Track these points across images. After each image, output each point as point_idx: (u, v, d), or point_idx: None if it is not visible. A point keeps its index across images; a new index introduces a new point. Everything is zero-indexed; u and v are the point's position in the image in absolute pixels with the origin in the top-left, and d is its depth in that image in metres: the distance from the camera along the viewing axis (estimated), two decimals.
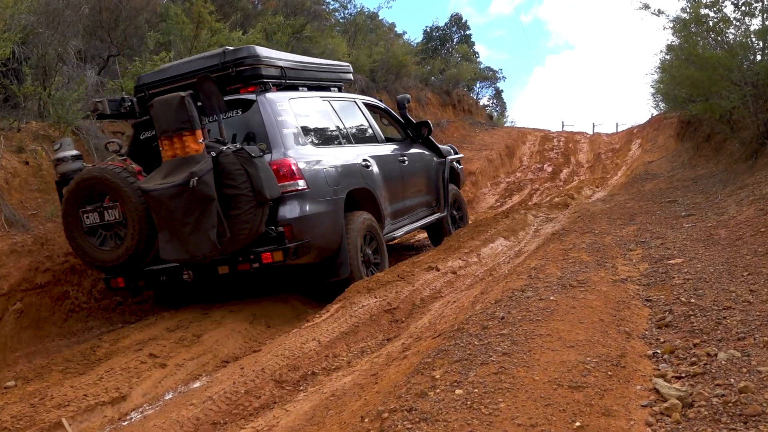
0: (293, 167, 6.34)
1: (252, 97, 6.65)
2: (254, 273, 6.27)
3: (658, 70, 15.33)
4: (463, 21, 38.16)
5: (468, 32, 38.04)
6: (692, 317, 3.90)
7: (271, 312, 6.65)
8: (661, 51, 15.18)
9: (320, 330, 5.62)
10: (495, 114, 40.59)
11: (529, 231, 9.60)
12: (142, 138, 7.10)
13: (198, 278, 6.37)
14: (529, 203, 15.45)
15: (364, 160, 7.66)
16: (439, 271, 7.26)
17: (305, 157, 6.58)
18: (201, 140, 6.02)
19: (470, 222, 10.92)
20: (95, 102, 6.94)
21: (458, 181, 10.59)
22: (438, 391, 3.13)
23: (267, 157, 6.16)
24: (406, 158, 8.83)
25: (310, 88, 7.76)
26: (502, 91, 43.04)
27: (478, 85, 38.67)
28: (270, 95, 6.74)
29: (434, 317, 5.42)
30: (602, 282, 4.83)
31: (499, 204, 17.11)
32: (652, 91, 16.98)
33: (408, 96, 9.97)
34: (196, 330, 6.06)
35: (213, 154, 5.90)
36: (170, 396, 4.99)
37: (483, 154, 21.46)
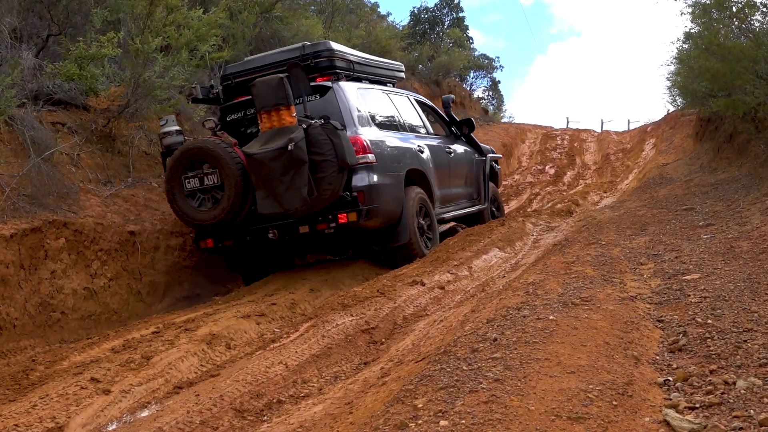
0: (365, 143, 8.51)
1: (328, 84, 8.84)
2: (331, 233, 8.30)
3: (674, 60, 15.49)
4: (456, 2, 38.32)
5: (461, 15, 38.21)
6: (709, 340, 3.95)
7: (341, 276, 8.52)
8: (679, 39, 15.39)
9: (288, 352, 5.61)
10: (491, 108, 40.77)
11: (528, 241, 9.66)
12: (228, 120, 9.38)
13: (281, 236, 8.44)
14: (528, 210, 15.56)
15: (419, 146, 9.79)
16: (424, 285, 7.29)
17: (373, 136, 8.79)
18: (294, 114, 8.09)
19: (462, 230, 11.00)
20: (191, 87, 9.44)
21: (496, 180, 12.82)
22: (420, 422, 3.14)
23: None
24: (452, 151, 10.99)
25: (370, 82, 9.92)
26: (499, 82, 43.42)
27: (471, 74, 38.86)
28: (343, 83, 8.93)
29: (418, 338, 5.44)
30: (608, 300, 4.87)
31: (492, 211, 17.18)
32: (668, 84, 17.18)
33: (452, 96, 12.30)
34: (146, 351, 6.03)
35: (304, 126, 8.02)
36: (114, 426, 4.97)
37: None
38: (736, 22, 11.46)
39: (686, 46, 14.03)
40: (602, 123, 40.53)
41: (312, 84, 8.70)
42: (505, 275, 7.59)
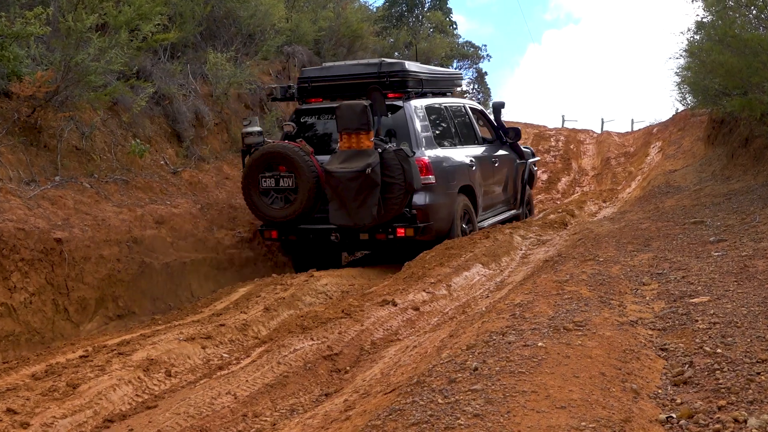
0: (428, 165, 10.60)
1: (399, 103, 11.04)
2: (387, 242, 10.48)
3: (684, 53, 15.62)
4: None
5: None
6: (718, 372, 3.98)
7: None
8: (689, 30, 15.44)
9: (237, 381, 5.58)
10: (476, 102, 40.91)
11: (515, 256, 9.70)
12: (302, 121, 11.53)
13: (343, 240, 10.68)
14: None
15: (471, 160, 11.84)
16: (396, 306, 7.30)
17: (435, 156, 10.89)
18: (372, 139, 10.18)
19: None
20: (271, 87, 12.00)
21: (532, 182, 15.10)
22: None
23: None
24: (497, 160, 13.10)
25: (434, 94, 12.22)
26: (485, 73, 43.55)
27: (455, 64, 38.98)
28: (412, 103, 11.12)
29: (388, 366, 5.44)
30: (605, 324, 4.91)
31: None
32: (677, 80, 17.31)
33: (504, 102, 14.69)
34: (72, 378, 5.97)
35: (379, 150, 10.11)
36: None
37: None
38: (755, 11, 11.58)
39: (698, 37, 14.13)
40: (602, 123, 40.74)
41: (388, 104, 10.87)
42: (488, 295, 7.62)
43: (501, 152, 13.43)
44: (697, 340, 4.55)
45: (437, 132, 11.57)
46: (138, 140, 10.86)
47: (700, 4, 12.57)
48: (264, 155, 10.57)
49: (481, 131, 13.46)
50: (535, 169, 15.55)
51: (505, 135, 13.86)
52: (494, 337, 4.69)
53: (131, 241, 9.40)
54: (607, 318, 5.08)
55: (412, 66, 11.69)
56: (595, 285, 6.15)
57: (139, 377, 6.11)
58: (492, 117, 13.92)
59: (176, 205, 10.78)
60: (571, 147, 26.60)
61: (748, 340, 4.41)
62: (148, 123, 11.65)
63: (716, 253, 7.14)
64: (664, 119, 27.27)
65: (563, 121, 40.65)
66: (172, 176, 11.46)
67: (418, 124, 10.97)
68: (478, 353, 4.40)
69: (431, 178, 10.60)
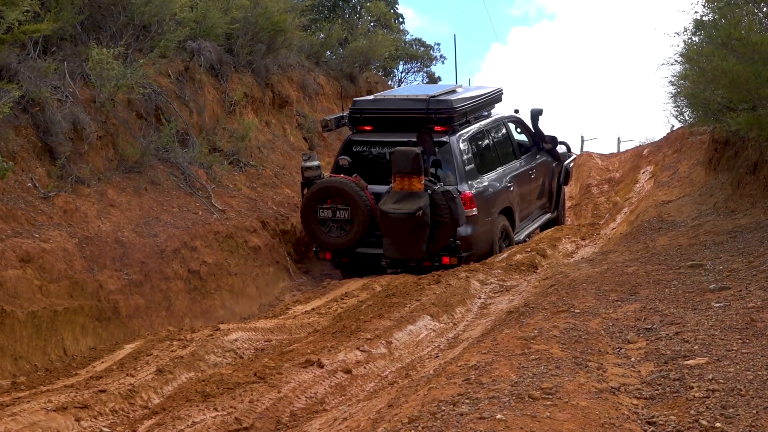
0: (471, 198, 13.97)
1: (445, 138, 14.50)
2: (432, 268, 13.31)
3: (680, 58, 15.79)
4: None
5: None
6: None
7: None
8: (686, 30, 15.53)
9: None
10: None
11: (473, 306, 9.73)
12: (353, 150, 15.06)
13: (391, 265, 13.99)
14: (475, 261, 15.65)
15: (509, 182, 15.54)
16: (323, 368, 7.26)
17: (477, 188, 14.37)
18: (422, 182, 13.37)
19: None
20: (326, 120, 16.03)
21: (567, 180, 19.16)
22: None
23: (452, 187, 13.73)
24: (533, 171, 16.86)
25: (476, 118, 15.78)
26: (439, 78, 43.48)
27: (401, 67, 39.09)
28: (456, 139, 14.59)
29: None
30: (580, 392, 4.93)
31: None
32: (672, 90, 17.47)
33: (542, 109, 17.83)
34: None
35: (429, 192, 13.33)
36: None
37: None
38: (765, 9, 11.74)
39: (696, 38, 14.27)
40: (582, 141, 41.15)
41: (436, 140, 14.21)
42: (438, 354, 7.63)
43: (538, 160, 17.31)
44: (692, 412, 4.59)
45: (479, 160, 15.09)
46: None
47: None
48: (322, 189, 14.14)
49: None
50: (572, 165, 19.58)
51: (542, 142, 17.68)
52: (443, 408, 4.69)
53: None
54: (583, 384, 5.11)
55: (457, 104, 15.04)
56: (569, 343, 6.19)
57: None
58: (530, 123, 17.58)
59: (46, 239, 10.63)
60: None
61: (754, 411, 4.46)
62: (12, 135, 11.38)
63: (717, 304, 7.22)
64: (656, 138, 27.54)
65: None
66: (42, 202, 11.30)
67: (461, 158, 14.45)
68: (423, 428, 4.40)
69: (474, 211, 13.99)
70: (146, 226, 12.30)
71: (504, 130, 16.65)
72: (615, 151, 35.28)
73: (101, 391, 7.19)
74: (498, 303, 9.72)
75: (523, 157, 16.80)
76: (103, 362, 8.63)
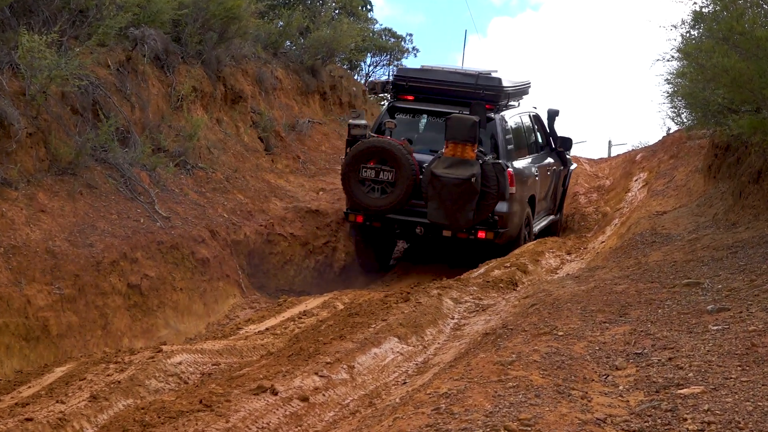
0: (512, 176, 15.60)
1: (491, 115, 16.15)
2: (466, 241, 15.57)
3: (677, 54, 15.86)
4: None
5: None
6: None
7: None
8: (684, 22, 15.60)
9: None
10: None
11: (445, 327, 9.74)
12: (395, 117, 16.59)
13: (425, 234, 15.67)
14: (448, 277, 15.66)
15: (536, 170, 17.51)
16: (277, 395, 7.25)
17: (515, 167, 16.09)
18: (475, 150, 15.03)
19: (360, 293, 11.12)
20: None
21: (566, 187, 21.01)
22: None
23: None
24: (550, 169, 18.80)
25: (510, 105, 17.69)
26: None
27: (369, 60, 39.13)
28: (502, 117, 16.44)
29: None
30: (562, 424, 4.95)
31: (393, 278, 17.25)
32: (668, 89, 17.54)
33: (558, 110, 20.00)
34: None
35: (480, 162, 14.97)
36: None
37: None
38: None
39: (695, 32, 14.33)
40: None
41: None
42: (405, 381, 7.63)
43: (551, 160, 19.09)
44: None
45: (516, 143, 17.01)
46: None
47: None
48: (369, 147, 15.49)
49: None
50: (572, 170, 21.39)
51: (555, 143, 19.56)
52: None
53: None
54: (565, 415, 5.13)
55: (506, 82, 17.03)
56: (551, 369, 6.21)
57: None
58: (546, 123, 19.49)
59: None
60: None
61: None
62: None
63: (715, 327, 7.26)
64: (651, 142, 27.62)
65: None
66: None
67: (505, 137, 16.26)
68: None
69: (513, 189, 15.67)
70: (81, 234, 12.25)
71: (531, 125, 18.77)
72: (605, 155, 35.44)
73: (27, 419, 7.15)
74: (473, 324, 9.74)
75: (541, 152, 18.86)
76: (30, 387, 8.58)
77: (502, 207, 15.51)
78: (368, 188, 15.55)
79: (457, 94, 16.49)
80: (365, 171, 15.53)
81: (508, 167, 15.57)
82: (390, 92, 17.52)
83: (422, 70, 17.47)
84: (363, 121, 16.19)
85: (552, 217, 19.58)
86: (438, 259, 17.11)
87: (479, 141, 15.29)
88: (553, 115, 19.73)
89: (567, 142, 19.95)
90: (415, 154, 15.57)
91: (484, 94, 16.44)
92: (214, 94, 18.89)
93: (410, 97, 17.01)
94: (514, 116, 17.49)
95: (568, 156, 20.59)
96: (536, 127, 19.24)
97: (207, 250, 14.31)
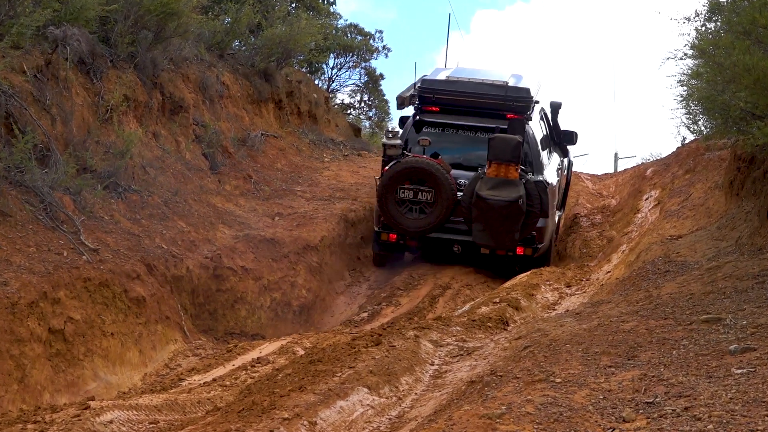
0: (552, 190, 18.97)
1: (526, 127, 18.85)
2: (505, 258, 18.21)
3: (690, 52, 15.93)
4: None
5: None
6: None
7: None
8: (698, 14, 15.68)
9: None
10: (367, 124, 41.09)
11: (423, 375, 9.74)
12: (424, 130, 18.91)
13: (463, 252, 18.25)
14: (428, 316, 15.66)
15: (558, 175, 20.17)
16: None
17: (549, 182, 18.74)
18: (518, 170, 17.40)
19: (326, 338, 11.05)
20: (403, 97, 19.81)
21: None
22: None
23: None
24: (560, 167, 21.28)
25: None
26: (381, 76, 43.73)
27: (332, 61, 39.25)
28: (533, 126, 18.88)
29: None
30: None
31: (362, 317, 17.23)
32: (682, 92, 17.59)
33: (561, 102, 22.63)
34: None
35: (524, 181, 17.52)
36: None
37: (335, 210, 21.67)
38: None
39: (711, 26, 14.42)
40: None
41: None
42: None
43: (558, 155, 21.73)
44: None
45: (543, 149, 19.29)
46: None
47: None
48: (407, 168, 17.68)
49: None
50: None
51: (558, 137, 22.11)
52: None
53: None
54: None
55: (534, 91, 19.43)
56: (547, 422, 6.22)
57: None
58: (550, 117, 21.87)
59: None
60: None
61: None
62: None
63: (739, 371, 7.27)
64: (663, 154, 27.71)
65: None
66: None
67: (538, 148, 18.69)
68: None
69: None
70: None
71: (547, 121, 21.28)
72: (611, 170, 35.57)
73: None
74: (456, 370, 9.74)
75: (552, 150, 21.32)
76: None
77: (540, 222, 17.90)
78: (406, 209, 17.80)
79: (487, 106, 18.77)
80: (403, 192, 17.75)
81: (549, 184, 18.24)
82: (415, 105, 19.42)
83: (449, 81, 19.54)
84: (398, 141, 18.30)
85: (559, 213, 21.63)
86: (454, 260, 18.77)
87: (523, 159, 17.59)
88: (556, 107, 22.08)
89: (572, 136, 22.58)
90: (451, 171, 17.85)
91: (514, 106, 18.76)
92: (150, 104, 18.89)
93: (436, 109, 19.08)
94: (540, 122, 20.04)
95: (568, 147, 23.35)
96: (546, 124, 21.44)
97: (143, 287, 14.24)
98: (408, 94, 19.84)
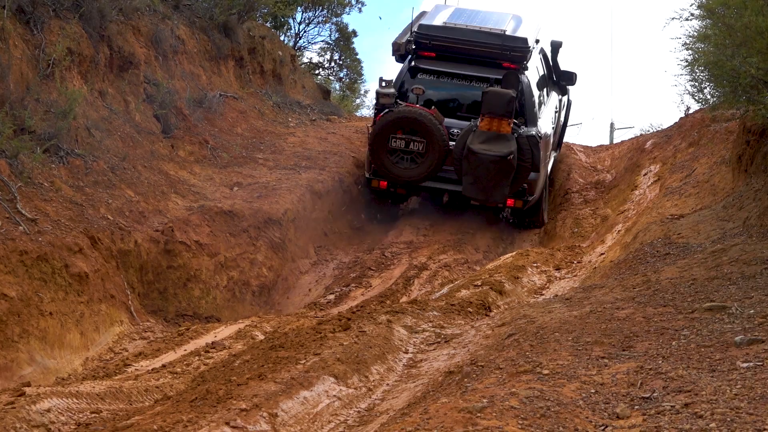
0: (543, 143, 21.16)
1: (523, 78, 21.04)
2: (494, 208, 21.19)
3: (697, 12, 15.94)
4: None
5: None
6: None
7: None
8: None
9: None
10: (337, 86, 41.06)
11: (396, 364, 9.74)
12: (418, 77, 21.11)
13: (451, 200, 21.64)
14: (402, 299, 15.67)
15: (553, 124, 23.13)
16: None
17: (542, 134, 20.94)
18: (510, 125, 19.49)
19: (273, 330, 11.04)
20: (398, 43, 21.75)
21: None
22: None
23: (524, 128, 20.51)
24: (556, 108, 23.91)
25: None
26: (354, 33, 43.69)
27: (300, 15, 39.19)
28: (528, 77, 20.93)
29: None
30: None
31: (329, 299, 17.22)
32: (687, 56, 17.61)
33: (561, 41, 24.47)
34: None
35: (515, 135, 19.64)
36: None
37: (300, 181, 21.65)
38: None
39: None
40: None
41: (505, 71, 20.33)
42: None
43: (555, 95, 24.01)
44: None
45: (537, 101, 21.14)
46: None
47: None
48: (399, 118, 19.39)
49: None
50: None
51: (558, 77, 24.23)
52: None
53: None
54: None
55: (531, 41, 21.28)
56: (533, 417, 6.21)
57: None
58: (550, 56, 23.90)
59: None
60: None
61: None
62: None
63: (745, 364, 7.28)
64: (664, 125, 27.77)
65: None
66: None
67: (533, 99, 20.46)
68: None
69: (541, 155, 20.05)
70: None
71: (542, 65, 23.07)
72: (606, 142, 35.64)
73: None
74: (433, 359, 9.74)
75: (548, 90, 23.42)
76: None
77: (531, 176, 19.72)
78: (397, 158, 19.75)
79: (482, 54, 20.64)
80: (394, 141, 19.66)
81: (541, 138, 20.05)
82: (411, 51, 21.21)
83: (446, 27, 21.27)
84: (391, 90, 19.85)
85: (554, 154, 24.04)
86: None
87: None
88: (556, 47, 24.08)
89: (572, 77, 24.86)
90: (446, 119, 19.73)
91: (510, 55, 20.61)
92: (96, 59, 18.75)
93: (432, 54, 20.95)
94: (536, 72, 21.90)
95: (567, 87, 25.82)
96: (545, 65, 23.55)
97: (85, 262, 14.13)
98: (404, 39, 21.41)
